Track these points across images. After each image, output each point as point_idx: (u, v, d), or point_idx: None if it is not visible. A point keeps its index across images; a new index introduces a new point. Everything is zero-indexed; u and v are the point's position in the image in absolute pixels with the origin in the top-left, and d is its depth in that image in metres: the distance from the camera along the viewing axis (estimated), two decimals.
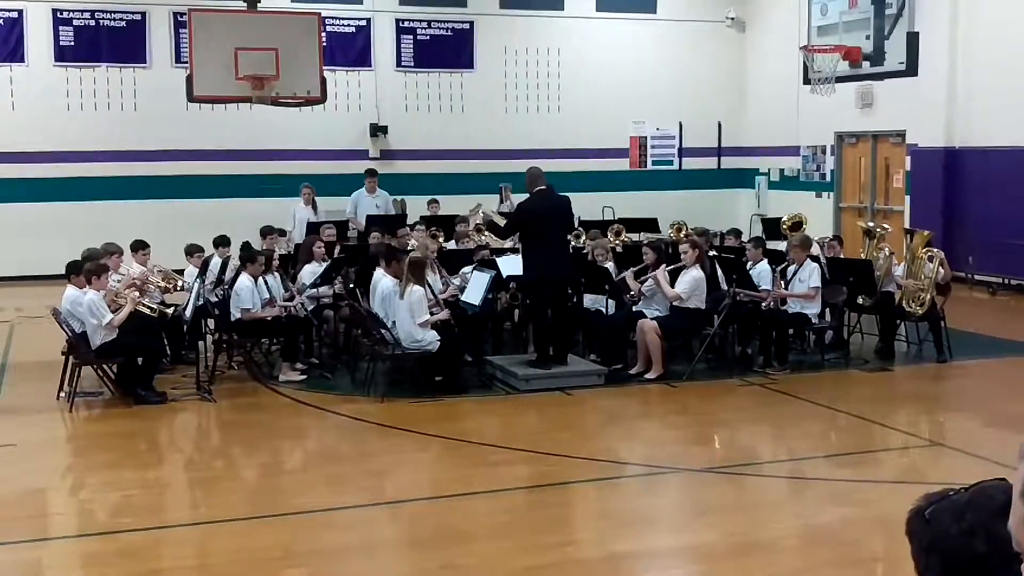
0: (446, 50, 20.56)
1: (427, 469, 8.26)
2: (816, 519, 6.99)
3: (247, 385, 10.74)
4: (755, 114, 22.08)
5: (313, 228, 13.86)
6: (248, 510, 7.16)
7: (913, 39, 17.81)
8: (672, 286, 10.82)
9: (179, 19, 18.17)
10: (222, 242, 12.45)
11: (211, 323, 11.51)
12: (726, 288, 11.19)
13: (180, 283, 11.60)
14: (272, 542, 6.51)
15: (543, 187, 10.68)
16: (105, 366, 10.01)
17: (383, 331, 10.11)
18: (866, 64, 18.62)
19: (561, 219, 10.70)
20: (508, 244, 12.79)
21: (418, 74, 20.41)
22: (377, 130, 20.04)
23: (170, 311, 10.26)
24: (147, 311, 10.14)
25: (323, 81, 13.46)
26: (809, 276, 11.14)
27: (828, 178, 20.36)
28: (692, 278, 10.79)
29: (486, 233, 13.72)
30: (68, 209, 18.30)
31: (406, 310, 10.04)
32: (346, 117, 19.73)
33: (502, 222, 11.63)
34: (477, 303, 10.61)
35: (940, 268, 11.58)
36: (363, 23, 20.02)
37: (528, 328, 11.61)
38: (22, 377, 11.08)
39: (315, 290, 11.50)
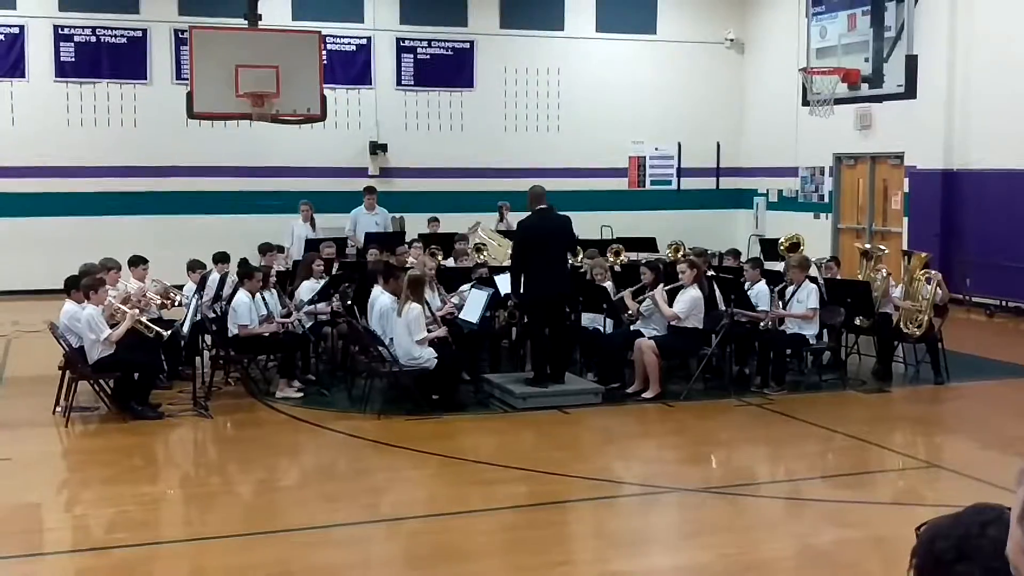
0: (446, 69, 20.63)
1: (423, 487, 8.24)
2: (813, 540, 6.98)
3: (244, 401, 10.72)
4: (754, 135, 22.14)
5: (311, 245, 13.88)
6: (244, 527, 7.14)
7: (912, 62, 17.83)
8: (670, 306, 10.83)
9: (180, 36, 18.24)
10: (221, 258, 12.45)
11: (208, 339, 11.51)
12: (724, 308, 11.19)
13: (178, 299, 11.59)
14: (268, 559, 6.49)
15: (544, 206, 10.72)
16: (102, 381, 10.00)
17: (380, 348, 10.10)
18: (865, 86, 18.63)
19: (560, 238, 10.71)
20: (507, 262, 12.79)
21: (418, 92, 20.47)
22: (376, 148, 20.08)
23: (167, 333, 10.21)
24: (143, 330, 10.11)
25: (323, 99, 13.49)
26: (807, 297, 11.14)
27: (826, 199, 20.40)
28: (690, 298, 10.80)
29: (485, 251, 13.74)
30: (67, 224, 18.32)
31: (404, 327, 10.04)
32: (346, 135, 19.78)
33: (499, 240, 11.64)
34: (475, 321, 10.62)
35: (938, 290, 11.58)
36: (364, 41, 20.09)
37: (525, 346, 11.60)
38: (18, 391, 11.07)
39: (313, 307, 11.50)
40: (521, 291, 10.58)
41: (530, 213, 10.82)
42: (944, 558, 1.62)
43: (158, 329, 10.14)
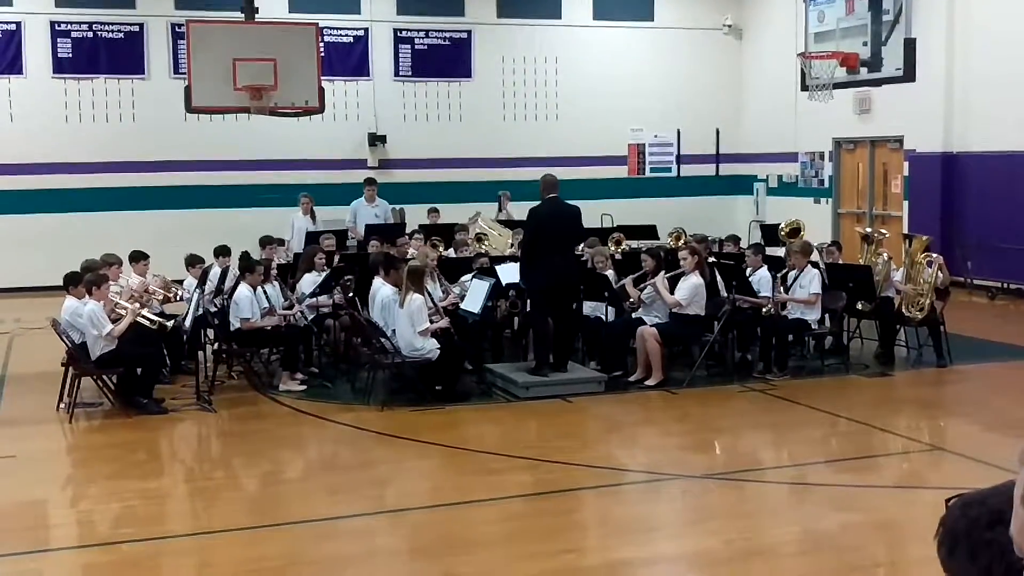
0: (444, 59, 20.59)
1: (428, 477, 8.25)
2: (817, 525, 6.98)
3: (247, 395, 10.73)
4: (753, 121, 22.11)
5: (312, 238, 13.87)
6: (249, 520, 7.15)
7: (910, 45, 17.85)
8: (671, 293, 10.83)
9: (177, 30, 18.20)
10: (222, 252, 12.45)
11: (211, 333, 11.51)
12: (725, 294, 11.19)
13: (179, 293, 11.60)
14: (273, 552, 6.51)
15: (554, 195, 10.73)
16: (105, 377, 10.00)
17: (383, 340, 10.11)
18: (864, 70, 18.67)
19: (568, 227, 10.72)
20: (508, 252, 12.79)
21: (416, 83, 20.44)
22: (375, 139, 20.06)
23: (170, 324, 10.24)
24: (147, 323, 10.14)
25: (321, 91, 13.47)
26: (810, 282, 11.15)
27: (826, 184, 20.38)
28: (691, 285, 10.80)
29: (486, 242, 13.73)
30: (67, 220, 18.32)
31: (406, 319, 10.04)
32: (344, 126, 19.75)
33: (500, 230, 11.63)
34: (477, 311, 10.62)
35: (939, 273, 11.58)
36: (361, 33, 20.05)
37: (528, 335, 11.61)
38: (22, 388, 11.07)
39: (314, 299, 11.51)
40: (529, 278, 10.60)
41: (541, 201, 10.82)
42: (978, 523, 1.62)
43: (161, 320, 10.17)
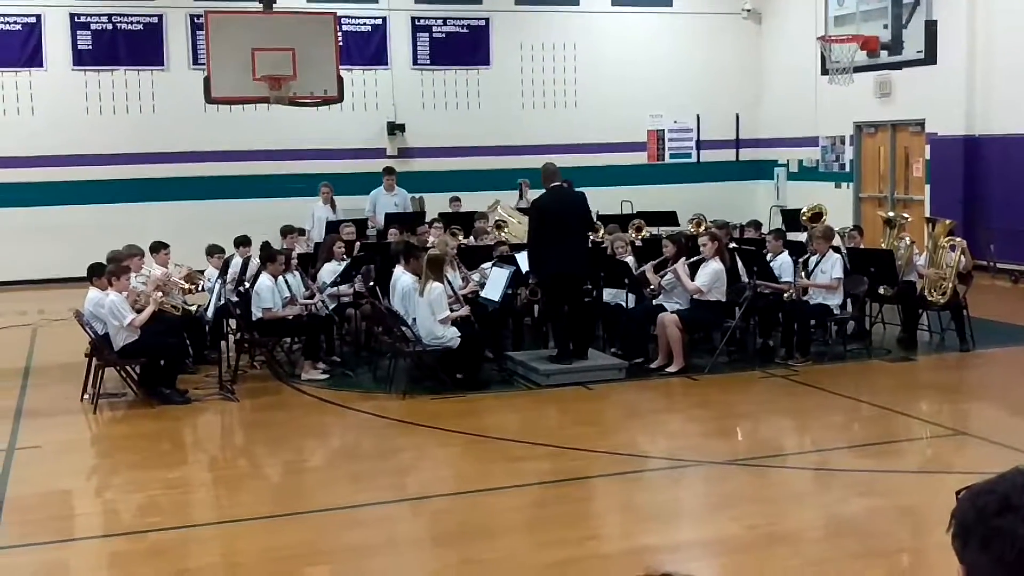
0: (462, 47, 20.58)
1: (449, 465, 8.27)
2: (840, 510, 6.96)
3: (269, 384, 10.78)
4: (773, 105, 22.00)
5: (332, 227, 13.90)
6: (272, 508, 7.19)
7: (931, 27, 17.72)
8: (692, 279, 10.80)
9: (196, 21, 18.25)
10: (243, 242, 12.50)
11: (232, 323, 11.56)
12: (747, 280, 11.15)
13: (201, 283, 11.66)
14: (296, 540, 6.54)
15: (558, 183, 10.67)
16: (128, 367, 10.06)
17: (403, 328, 10.12)
18: (884, 53, 18.55)
19: (575, 215, 10.65)
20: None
21: (434, 72, 20.43)
22: (394, 128, 20.08)
23: (193, 308, 10.31)
24: (171, 309, 10.21)
25: (340, 80, 13.49)
26: (832, 267, 11.10)
27: (847, 168, 20.27)
28: (712, 271, 10.77)
29: (505, 229, 13.73)
30: (88, 212, 18.42)
31: (426, 307, 10.05)
32: (363, 116, 19.77)
33: (519, 218, 11.60)
34: (497, 299, 10.62)
35: (962, 257, 11.51)
36: (379, 22, 20.06)
37: (548, 323, 11.60)
38: (46, 379, 11.15)
39: (335, 288, 11.54)
40: (538, 269, 10.57)
41: (544, 191, 10.78)
42: (987, 511, 1.61)
43: (184, 306, 10.25)
